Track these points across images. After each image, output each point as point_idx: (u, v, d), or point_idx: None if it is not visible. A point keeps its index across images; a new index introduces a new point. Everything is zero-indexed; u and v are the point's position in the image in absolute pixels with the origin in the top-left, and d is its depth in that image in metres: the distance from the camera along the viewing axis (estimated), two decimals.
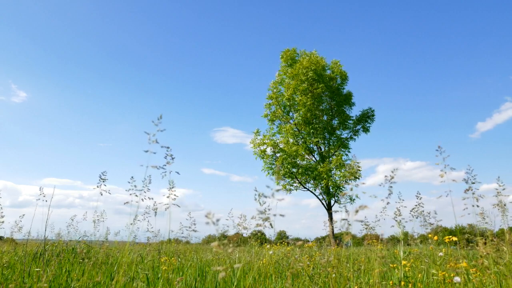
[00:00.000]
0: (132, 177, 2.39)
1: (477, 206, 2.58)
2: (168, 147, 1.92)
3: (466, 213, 2.62)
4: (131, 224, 3.46)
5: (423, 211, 3.75)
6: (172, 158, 1.95)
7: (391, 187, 2.41)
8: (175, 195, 2.45)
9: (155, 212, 3.46)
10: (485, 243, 2.70)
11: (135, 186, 2.32)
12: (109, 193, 3.33)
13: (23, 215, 5.39)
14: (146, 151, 1.84)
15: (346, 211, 1.34)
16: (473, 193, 2.58)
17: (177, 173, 2.03)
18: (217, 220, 1.30)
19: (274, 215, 1.39)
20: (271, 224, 1.43)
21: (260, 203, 1.43)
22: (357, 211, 1.33)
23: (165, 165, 1.96)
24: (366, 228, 3.96)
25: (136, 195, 2.30)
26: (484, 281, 3.00)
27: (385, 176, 2.50)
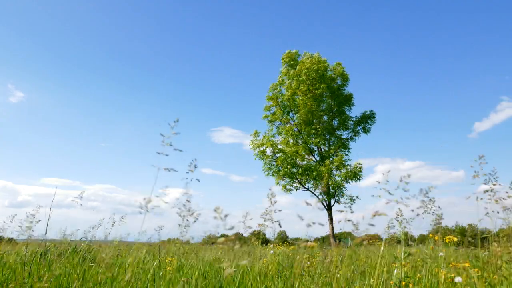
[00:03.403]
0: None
1: (494, 211, 2.57)
2: (181, 151, 1.95)
3: (469, 214, 2.62)
4: (155, 230, 3.45)
5: (439, 210, 3.72)
6: (195, 167, 1.96)
7: (391, 192, 2.37)
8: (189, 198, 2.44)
9: (148, 211, 3.45)
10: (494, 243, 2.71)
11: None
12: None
13: (15, 215, 5.21)
14: (159, 153, 1.87)
15: (352, 212, 1.35)
16: (494, 195, 2.57)
17: (198, 180, 2.04)
18: (225, 216, 1.31)
19: (276, 219, 1.40)
20: (279, 224, 1.44)
21: (271, 202, 1.44)
22: (374, 215, 1.34)
23: (188, 172, 1.98)
24: (368, 228, 3.96)
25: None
26: (489, 281, 3.01)
27: (377, 181, 2.38)
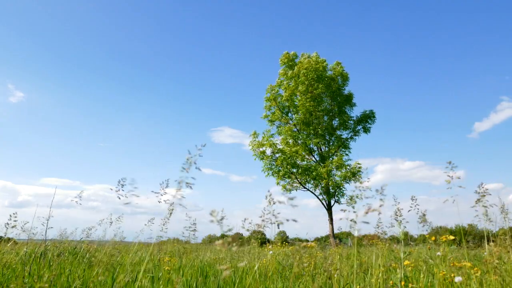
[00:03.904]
0: (133, 179, 2.42)
1: (486, 212, 2.59)
2: (200, 169, 2.04)
3: (471, 215, 2.63)
4: (145, 225, 3.47)
5: (424, 212, 3.75)
6: (194, 164, 2.04)
7: (377, 190, 2.34)
8: (182, 196, 2.46)
9: (170, 213, 3.45)
10: (492, 242, 2.71)
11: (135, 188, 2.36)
12: (126, 197, 3.32)
13: (15, 213, 5.17)
14: (183, 170, 1.98)
15: (354, 211, 1.35)
16: (483, 200, 2.58)
17: (193, 178, 2.11)
18: (221, 219, 1.31)
19: (288, 220, 1.40)
20: (278, 226, 1.44)
21: (270, 202, 1.44)
22: (366, 212, 1.34)
23: (183, 171, 2.06)
24: (376, 227, 4.00)
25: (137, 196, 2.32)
26: (485, 281, 3.00)
27: (357, 186, 2.29)
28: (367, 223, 1.54)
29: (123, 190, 2.70)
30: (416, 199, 3.80)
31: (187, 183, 1.94)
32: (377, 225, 4.04)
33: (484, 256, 3.24)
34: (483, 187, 2.70)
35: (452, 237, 3.37)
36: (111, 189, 2.59)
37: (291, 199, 1.40)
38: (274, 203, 1.44)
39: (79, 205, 3.46)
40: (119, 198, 2.51)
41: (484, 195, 2.63)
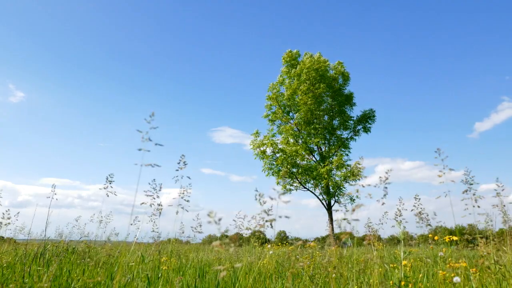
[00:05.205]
0: (154, 179, 2.39)
1: (478, 206, 2.58)
2: (162, 145, 1.90)
3: (467, 213, 2.62)
4: (131, 224, 3.47)
5: (422, 212, 3.75)
6: (185, 164, 1.96)
7: (386, 187, 2.39)
8: (188, 197, 2.45)
9: (160, 212, 3.45)
10: (485, 243, 2.70)
11: (154, 188, 2.33)
12: (115, 194, 3.33)
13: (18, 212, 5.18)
14: (140, 150, 1.82)
15: (347, 210, 1.35)
16: (474, 194, 2.57)
17: (188, 177, 2.04)
18: (219, 220, 1.30)
19: (280, 216, 1.39)
20: (271, 225, 1.43)
21: (260, 203, 1.43)
22: (353, 210, 1.34)
23: (178, 170, 1.97)
24: (369, 227, 4.00)
25: (154, 198, 2.31)
26: (484, 281, 3.00)
27: (380, 177, 2.47)
28: (357, 220, 1.54)
29: (111, 187, 2.68)
30: (419, 199, 3.80)
31: (147, 164, 1.83)
32: (371, 225, 4.05)
33: (483, 256, 3.23)
34: (469, 174, 2.67)
35: (456, 238, 3.36)
36: (100, 189, 2.57)
37: (284, 194, 1.38)
38: (264, 203, 1.44)
39: (56, 200, 3.48)
40: (108, 196, 2.49)
41: (472, 183, 2.61)
